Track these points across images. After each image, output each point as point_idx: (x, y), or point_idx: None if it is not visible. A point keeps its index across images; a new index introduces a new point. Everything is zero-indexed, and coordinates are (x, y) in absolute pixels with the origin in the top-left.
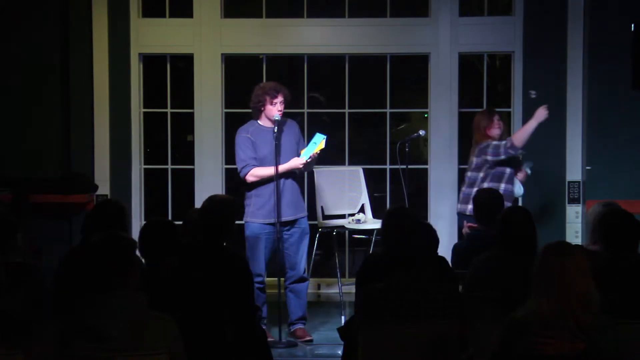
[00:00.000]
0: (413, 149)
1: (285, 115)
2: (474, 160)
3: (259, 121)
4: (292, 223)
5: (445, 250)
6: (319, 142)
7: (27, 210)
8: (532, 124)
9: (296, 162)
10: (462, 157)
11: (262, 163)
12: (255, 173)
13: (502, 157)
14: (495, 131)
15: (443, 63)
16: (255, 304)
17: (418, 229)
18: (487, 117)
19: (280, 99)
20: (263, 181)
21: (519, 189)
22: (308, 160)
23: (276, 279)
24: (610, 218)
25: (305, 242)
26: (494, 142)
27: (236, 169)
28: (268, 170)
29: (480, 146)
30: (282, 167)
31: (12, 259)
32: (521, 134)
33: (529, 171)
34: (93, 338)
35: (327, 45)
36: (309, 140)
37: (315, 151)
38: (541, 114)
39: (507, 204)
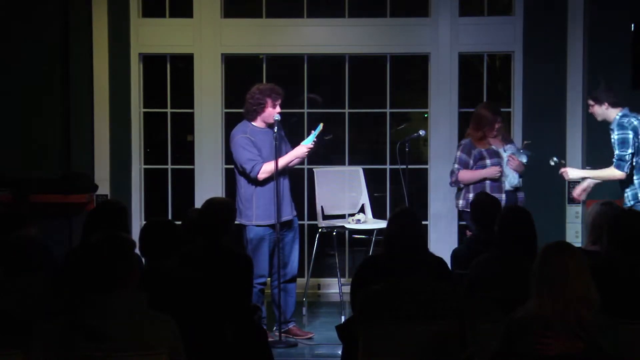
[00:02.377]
0: (413, 149)
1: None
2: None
3: (252, 123)
4: (289, 222)
5: (445, 250)
6: (317, 131)
7: (27, 210)
8: (483, 174)
9: (301, 149)
10: None
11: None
12: (266, 169)
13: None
14: (491, 139)
15: (443, 63)
16: (255, 304)
17: (419, 230)
18: (491, 119)
19: (279, 101)
20: (264, 182)
21: (512, 179)
22: (312, 146)
23: (271, 279)
24: (627, 220)
25: (298, 240)
26: (460, 155)
27: (233, 169)
28: (277, 163)
29: (464, 142)
30: (288, 156)
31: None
32: (470, 177)
33: (524, 160)
34: (93, 338)
35: (327, 45)
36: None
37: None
38: (493, 171)
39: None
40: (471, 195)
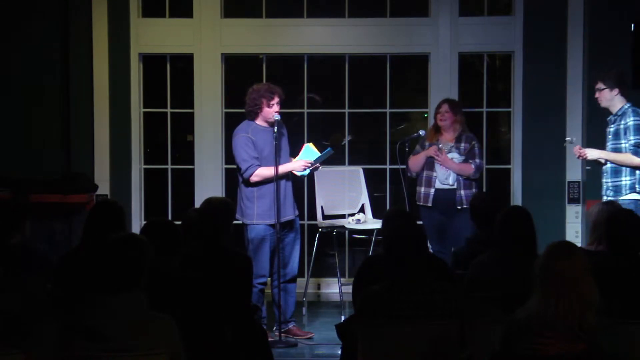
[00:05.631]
0: (413, 149)
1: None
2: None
3: (255, 121)
4: (290, 222)
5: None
6: (325, 156)
7: (27, 210)
8: (422, 154)
9: (298, 164)
10: None
11: (263, 163)
12: (260, 173)
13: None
14: (442, 123)
15: (443, 63)
16: (255, 304)
17: (417, 230)
18: (438, 107)
19: (276, 99)
20: (266, 182)
21: (440, 176)
22: (311, 167)
23: (272, 279)
24: (616, 217)
25: (299, 241)
26: (417, 148)
27: (235, 168)
28: (272, 171)
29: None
30: (284, 168)
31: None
32: (414, 161)
33: (451, 156)
34: (93, 338)
35: (327, 45)
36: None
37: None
38: (430, 149)
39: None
40: (417, 188)
